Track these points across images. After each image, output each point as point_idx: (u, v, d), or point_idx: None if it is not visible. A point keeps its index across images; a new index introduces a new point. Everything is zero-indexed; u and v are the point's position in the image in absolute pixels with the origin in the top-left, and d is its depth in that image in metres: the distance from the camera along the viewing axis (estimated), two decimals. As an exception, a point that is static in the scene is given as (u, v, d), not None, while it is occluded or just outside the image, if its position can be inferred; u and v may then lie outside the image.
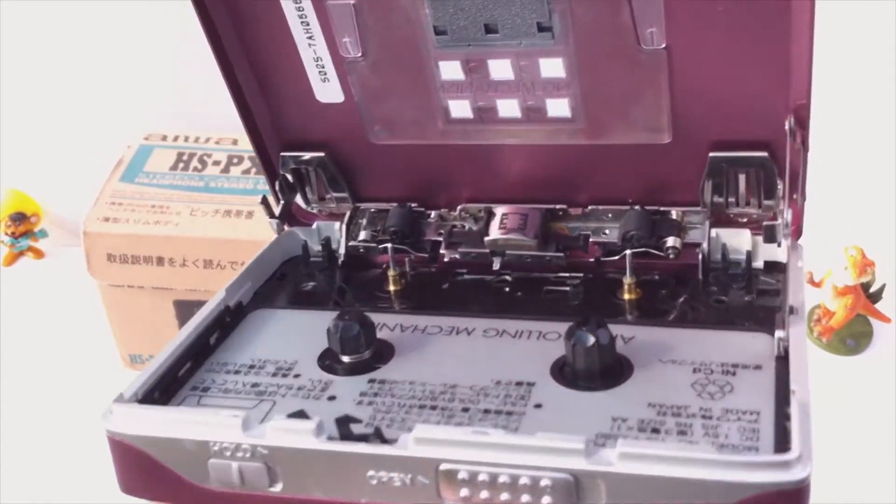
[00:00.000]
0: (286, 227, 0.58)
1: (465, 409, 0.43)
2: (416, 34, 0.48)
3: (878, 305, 0.78)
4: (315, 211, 0.58)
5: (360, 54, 0.50)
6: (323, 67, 0.51)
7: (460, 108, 0.51)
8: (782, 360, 0.43)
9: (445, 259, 0.55)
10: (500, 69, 0.49)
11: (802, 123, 0.47)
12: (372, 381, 0.46)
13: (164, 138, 0.82)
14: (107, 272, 0.75)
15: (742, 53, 0.46)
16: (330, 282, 0.56)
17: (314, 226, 0.58)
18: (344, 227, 0.57)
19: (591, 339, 0.43)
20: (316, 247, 0.58)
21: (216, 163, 0.79)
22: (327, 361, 0.47)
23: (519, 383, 0.44)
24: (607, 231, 0.54)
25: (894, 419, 0.68)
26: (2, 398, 0.78)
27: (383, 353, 0.48)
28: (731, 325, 0.48)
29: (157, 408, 0.44)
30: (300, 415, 0.43)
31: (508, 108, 0.50)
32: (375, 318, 0.49)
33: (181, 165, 0.79)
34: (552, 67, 0.48)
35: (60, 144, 0.97)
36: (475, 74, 0.49)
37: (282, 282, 0.56)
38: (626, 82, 0.48)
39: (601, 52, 0.47)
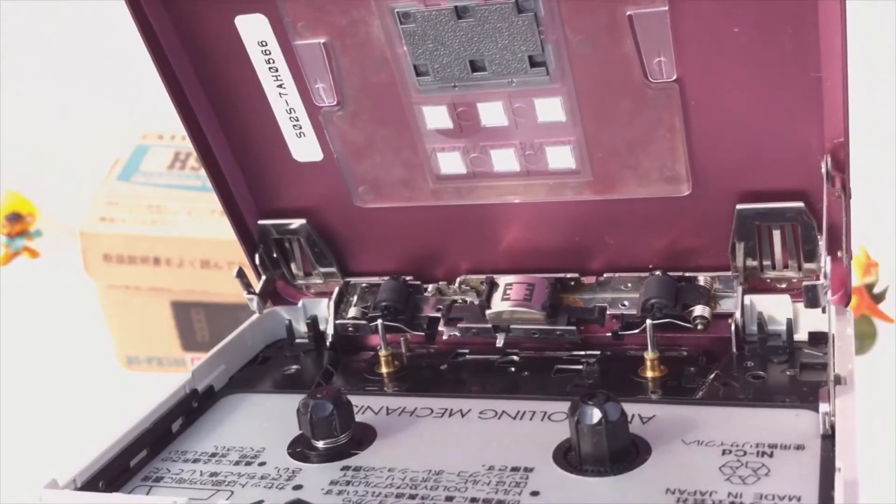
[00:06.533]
0: (268, 306, 0.52)
1: (450, 499, 0.37)
2: (395, 76, 0.43)
3: (881, 306, 0.76)
4: (301, 288, 0.52)
5: (335, 103, 0.45)
6: (297, 120, 0.46)
7: (451, 162, 0.45)
8: (829, 439, 0.37)
9: (444, 337, 0.49)
10: (492, 113, 0.43)
11: (840, 165, 0.40)
12: (345, 468, 0.40)
13: (161, 137, 0.82)
14: (103, 273, 0.75)
15: (766, 84, 0.40)
16: (315, 364, 0.50)
17: (300, 304, 0.52)
18: (332, 304, 0.51)
19: (598, 415, 0.37)
20: (301, 327, 0.52)
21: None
22: (298, 448, 0.42)
23: (515, 468, 0.38)
24: (626, 302, 0.47)
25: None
26: (-1, 399, 0.78)
27: (363, 437, 0.42)
28: (768, 401, 0.41)
29: (90, 494, 0.39)
30: None
31: (505, 159, 0.44)
32: (360, 400, 0.44)
33: (178, 165, 0.80)
34: (550, 109, 0.42)
35: (57, 144, 0.98)
36: (465, 121, 0.44)
37: (263, 366, 0.51)
38: (635, 124, 0.42)
39: (604, 88, 0.41)
